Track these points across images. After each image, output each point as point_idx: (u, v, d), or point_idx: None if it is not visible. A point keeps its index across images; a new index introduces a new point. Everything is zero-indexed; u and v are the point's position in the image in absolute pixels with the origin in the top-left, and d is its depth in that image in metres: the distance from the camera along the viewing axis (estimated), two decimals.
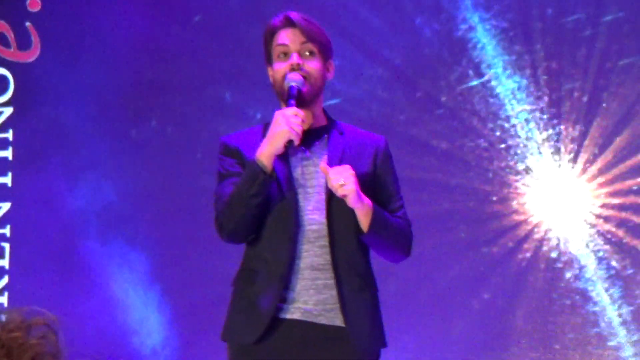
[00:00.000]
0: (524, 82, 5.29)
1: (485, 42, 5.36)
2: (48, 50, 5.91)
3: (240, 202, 3.13)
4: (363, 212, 3.15)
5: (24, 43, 5.96)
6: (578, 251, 5.17)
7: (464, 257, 5.25)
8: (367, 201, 3.16)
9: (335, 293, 3.15)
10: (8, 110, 5.97)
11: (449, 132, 5.34)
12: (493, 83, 5.32)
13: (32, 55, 5.95)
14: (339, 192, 3.10)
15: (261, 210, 3.16)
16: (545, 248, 5.20)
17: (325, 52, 3.31)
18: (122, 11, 5.76)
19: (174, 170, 5.62)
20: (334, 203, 3.17)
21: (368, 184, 3.24)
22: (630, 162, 5.16)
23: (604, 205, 5.17)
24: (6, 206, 5.90)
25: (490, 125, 5.32)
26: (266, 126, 3.27)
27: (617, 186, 5.17)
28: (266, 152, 3.13)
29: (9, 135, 5.94)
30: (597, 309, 5.12)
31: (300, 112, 3.14)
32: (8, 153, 5.93)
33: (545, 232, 5.21)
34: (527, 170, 5.26)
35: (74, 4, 5.88)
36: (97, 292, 5.63)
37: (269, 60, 3.34)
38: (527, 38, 5.29)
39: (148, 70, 5.74)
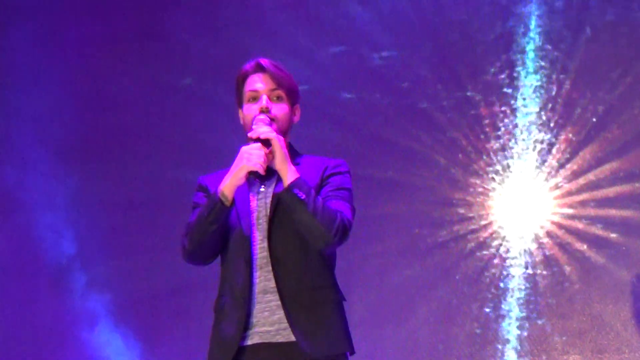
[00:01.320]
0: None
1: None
2: None
3: (199, 227, 3.37)
4: (289, 175, 3.32)
5: None
6: (534, 255, 5.27)
7: (422, 258, 5.36)
8: (294, 168, 3.36)
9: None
10: None
11: (418, 134, 5.42)
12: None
13: None
14: (262, 131, 3.32)
15: (218, 237, 3.40)
16: (502, 251, 5.30)
17: (292, 97, 3.53)
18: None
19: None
20: (274, 229, 3.37)
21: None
22: (591, 175, 5.26)
23: (561, 213, 5.27)
24: None
25: (460, 128, 5.40)
26: None
27: (577, 198, 5.27)
28: (228, 184, 3.34)
29: None
30: (546, 310, 5.22)
31: (264, 150, 3.32)
32: None
33: (503, 237, 5.31)
34: (492, 174, 5.35)
35: None
36: None
37: (239, 104, 3.56)
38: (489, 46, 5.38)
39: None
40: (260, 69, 3.51)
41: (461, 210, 5.37)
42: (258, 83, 3.51)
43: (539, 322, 5.22)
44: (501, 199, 5.35)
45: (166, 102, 5.77)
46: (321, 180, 3.47)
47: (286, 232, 3.37)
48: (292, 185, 3.31)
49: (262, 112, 3.45)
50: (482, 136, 5.37)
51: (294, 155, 3.50)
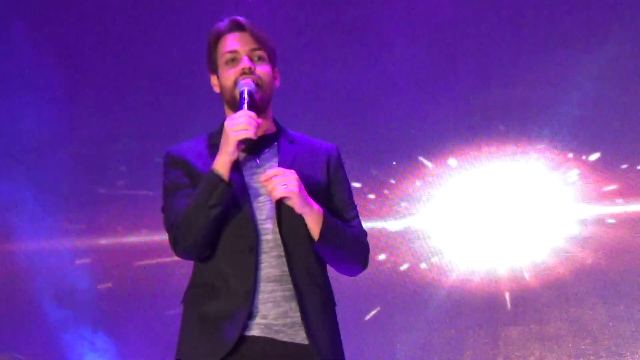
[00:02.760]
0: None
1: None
2: None
3: (198, 214, 2.96)
4: (312, 218, 3.00)
5: None
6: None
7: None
8: (317, 207, 3.00)
9: (294, 305, 2.99)
10: None
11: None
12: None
13: None
14: (278, 194, 2.94)
15: (219, 222, 2.99)
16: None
17: (273, 58, 3.15)
18: None
19: None
20: (284, 211, 3.00)
21: (322, 193, 3.10)
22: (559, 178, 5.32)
23: (535, 219, 5.30)
24: None
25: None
26: (211, 135, 3.17)
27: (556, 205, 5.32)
28: (221, 160, 2.97)
29: None
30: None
31: (252, 113, 2.97)
32: None
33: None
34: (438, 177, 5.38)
35: None
36: None
37: (213, 69, 3.17)
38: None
39: None
40: (238, 27, 3.12)
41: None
42: (237, 43, 3.11)
43: (516, 327, 5.24)
44: (467, 207, 5.37)
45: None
46: (328, 178, 3.15)
47: (294, 215, 3.00)
48: (322, 234, 2.99)
49: (244, 74, 3.06)
50: None
51: (281, 131, 3.18)
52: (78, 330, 5.64)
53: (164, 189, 3.12)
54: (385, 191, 5.42)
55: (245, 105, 2.99)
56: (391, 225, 5.40)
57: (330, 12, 5.55)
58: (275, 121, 3.20)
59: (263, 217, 3.03)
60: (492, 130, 5.31)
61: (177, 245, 3.02)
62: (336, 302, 3.10)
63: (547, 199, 5.28)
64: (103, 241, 5.69)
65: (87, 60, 5.76)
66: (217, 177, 2.95)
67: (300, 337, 2.99)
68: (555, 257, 5.25)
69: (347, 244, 3.07)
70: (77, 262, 5.69)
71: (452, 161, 5.38)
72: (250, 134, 2.94)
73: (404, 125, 5.42)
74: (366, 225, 3.22)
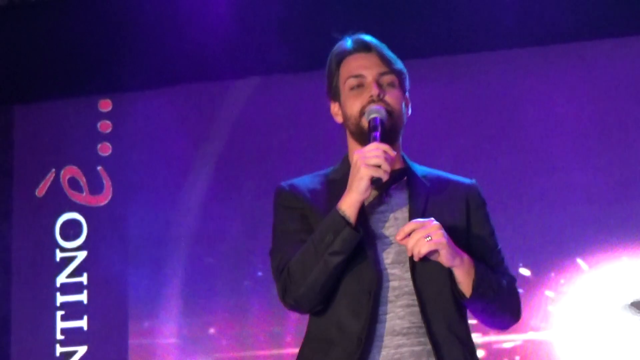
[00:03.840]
0: None
1: None
2: (119, 193, 5.99)
3: (316, 260, 2.58)
4: (463, 270, 2.63)
5: (95, 187, 6.04)
6: None
7: None
8: (467, 257, 2.64)
9: None
10: (82, 254, 6.02)
11: None
12: None
13: (104, 199, 6.02)
14: (423, 249, 2.56)
15: (339, 272, 2.61)
16: None
17: (404, 83, 2.79)
18: None
19: None
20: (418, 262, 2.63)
21: (462, 240, 2.70)
22: None
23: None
24: (82, 349, 5.91)
25: None
26: (332, 172, 2.81)
27: None
28: (349, 199, 2.58)
29: (84, 279, 5.98)
30: None
31: (386, 146, 2.60)
32: (83, 297, 5.96)
33: None
34: None
35: (144, 147, 5.98)
36: None
37: (334, 96, 2.80)
38: None
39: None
40: (364, 47, 2.75)
41: None
42: (363, 66, 2.73)
43: None
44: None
45: None
46: (468, 220, 2.75)
47: (428, 258, 2.61)
48: (475, 288, 2.62)
49: (373, 101, 2.70)
50: None
51: (410, 167, 2.79)
52: None
53: (273, 230, 2.76)
54: None
55: (378, 136, 2.64)
56: None
57: None
58: (403, 155, 2.85)
59: (389, 260, 2.65)
60: None
61: (286, 295, 2.65)
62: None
63: None
64: None
65: None
66: (343, 220, 2.57)
67: None
68: None
69: (500, 296, 2.69)
70: None
71: None
72: (384, 173, 2.57)
73: None
74: None
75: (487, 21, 5.45)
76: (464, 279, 2.63)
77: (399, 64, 2.76)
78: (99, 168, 6.05)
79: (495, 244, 2.78)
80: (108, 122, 6.06)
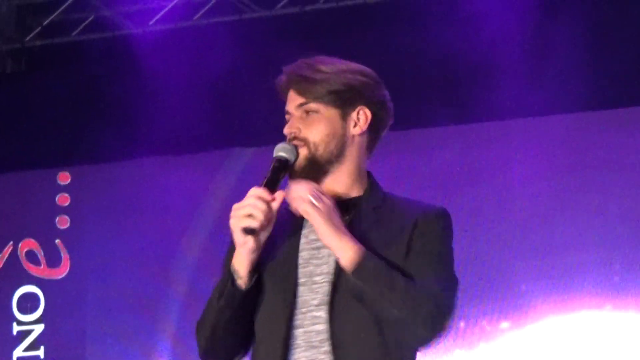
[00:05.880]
0: None
1: None
2: (77, 265, 5.98)
3: (210, 313, 2.51)
4: (338, 251, 2.45)
5: (53, 260, 6.03)
6: None
7: None
8: (356, 244, 2.45)
9: None
10: (39, 328, 5.99)
11: None
12: None
13: (62, 272, 6.01)
14: (300, 207, 2.45)
15: (237, 326, 2.50)
16: None
17: (341, 99, 2.54)
18: None
19: None
20: (339, 296, 2.47)
21: (398, 268, 2.49)
22: None
23: None
24: None
25: None
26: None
27: None
28: (237, 254, 2.47)
29: (41, 352, 5.94)
30: None
31: (263, 193, 2.45)
32: None
33: None
34: None
35: (102, 220, 5.98)
36: None
37: None
38: None
39: None
40: (287, 82, 2.58)
41: None
42: (288, 100, 2.58)
43: None
44: None
45: None
46: (408, 242, 2.50)
47: (351, 300, 2.44)
48: (354, 270, 2.42)
49: (288, 140, 2.54)
50: None
51: (369, 195, 2.56)
52: None
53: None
54: None
55: (265, 180, 2.49)
56: None
57: None
58: (370, 180, 2.62)
59: (316, 302, 2.48)
60: None
61: (197, 342, 2.57)
62: None
63: None
64: None
65: None
66: (229, 275, 2.48)
67: None
68: None
69: (395, 293, 2.42)
70: None
71: None
72: (253, 223, 2.42)
73: None
74: None
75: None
76: (341, 260, 2.45)
77: (324, 80, 2.53)
78: (57, 241, 6.05)
79: (431, 250, 2.51)
80: (66, 195, 6.06)
